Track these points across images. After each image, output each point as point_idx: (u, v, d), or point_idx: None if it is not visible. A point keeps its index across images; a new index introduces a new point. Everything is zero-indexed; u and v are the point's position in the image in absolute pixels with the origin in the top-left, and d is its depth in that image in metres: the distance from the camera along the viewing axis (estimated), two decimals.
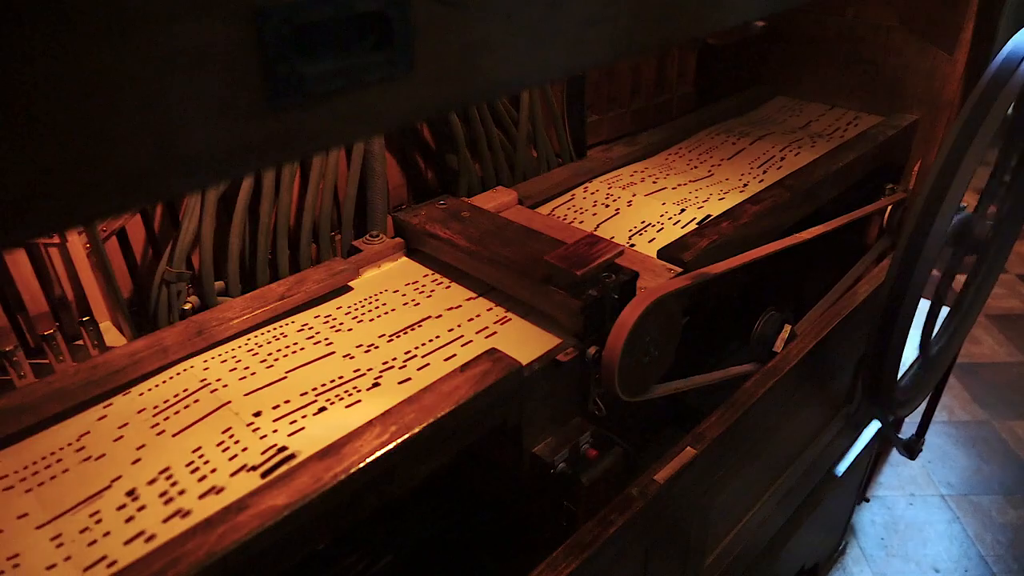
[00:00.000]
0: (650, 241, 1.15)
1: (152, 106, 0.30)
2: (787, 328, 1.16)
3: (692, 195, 1.31)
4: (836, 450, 1.60)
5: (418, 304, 0.98)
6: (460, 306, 0.97)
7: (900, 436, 1.78)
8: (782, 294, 1.48)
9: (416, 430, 0.71)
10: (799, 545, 1.59)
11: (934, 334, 1.39)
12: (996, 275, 1.37)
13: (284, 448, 0.73)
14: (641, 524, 0.90)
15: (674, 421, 1.23)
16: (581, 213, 1.25)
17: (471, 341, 0.90)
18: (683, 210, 1.25)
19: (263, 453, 0.73)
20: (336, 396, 0.81)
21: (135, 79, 0.29)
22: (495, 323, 0.93)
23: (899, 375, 1.18)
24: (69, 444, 0.75)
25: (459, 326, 0.93)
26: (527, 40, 0.44)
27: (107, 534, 0.65)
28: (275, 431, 0.76)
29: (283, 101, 0.34)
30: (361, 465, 0.67)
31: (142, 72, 0.29)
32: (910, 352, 1.24)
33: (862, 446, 1.69)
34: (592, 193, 1.32)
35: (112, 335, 0.98)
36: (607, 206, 1.27)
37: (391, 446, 0.69)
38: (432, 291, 1.01)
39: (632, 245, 1.14)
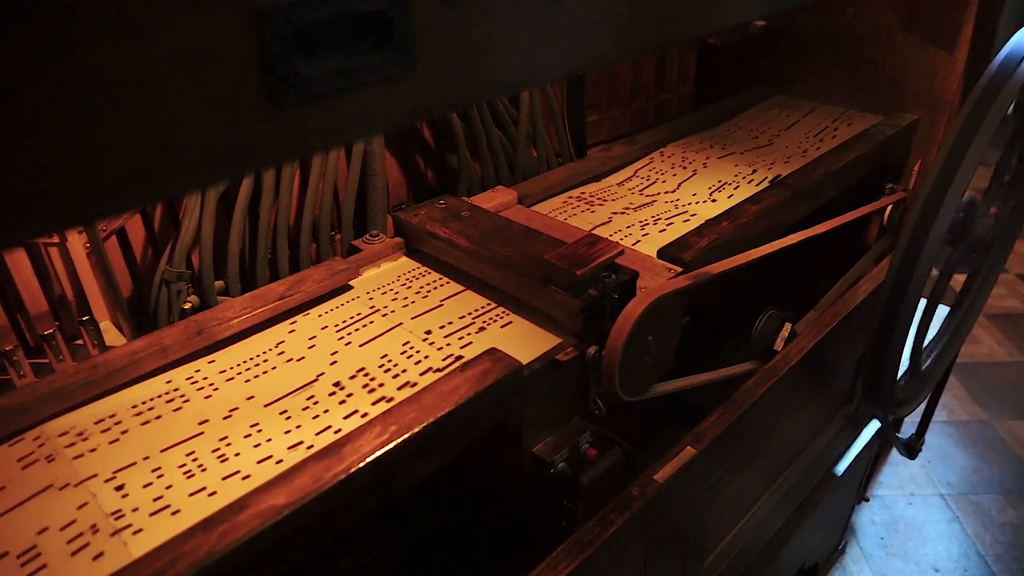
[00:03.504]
0: (729, 197, 1.28)
1: (152, 106, 0.30)
2: (787, 327, 1.16)
3: (759, 159, 1.44)
4: (836, 450, 1.60)
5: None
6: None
7: (900, 436, 1.78)
8: (782, 294, 1.48)
9: (416, 430, 0.71)
10: (799, 545, 1.59)
11: (935, 334, 1.39)
12: (996, 275, 1.37)
13: (460, 357, 0.86)
14: (641, 524, 0.90)
15: (674, 421, 1.23)
16: (663, 174, 1.38)
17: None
18: (754, 171, 1.38)
19: (443, 360, 0.85)
20: (490, 319, 0.94)
21: (135, 79, 0.29)
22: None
23: (899, 375, 1.18)
24: (270, 349, 0.88)
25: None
26: (527, 40, 0.44)
27: (326, 411, 0.77)
28: (448, 344, 0.88)
29: (283, 101, 0.34)
30: (361, 465, 0.67)
31: (142, 72, 0.29)
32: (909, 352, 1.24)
33: (862, 446, 1.69)
34: (668, 157, 1.46)
35: (112, 335, 0.98)
36: (684, 168, 1.40)
37: (391, 446, 0.69)
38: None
39: (714, 200, 1.27)
